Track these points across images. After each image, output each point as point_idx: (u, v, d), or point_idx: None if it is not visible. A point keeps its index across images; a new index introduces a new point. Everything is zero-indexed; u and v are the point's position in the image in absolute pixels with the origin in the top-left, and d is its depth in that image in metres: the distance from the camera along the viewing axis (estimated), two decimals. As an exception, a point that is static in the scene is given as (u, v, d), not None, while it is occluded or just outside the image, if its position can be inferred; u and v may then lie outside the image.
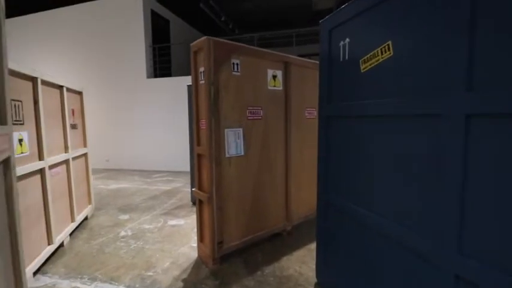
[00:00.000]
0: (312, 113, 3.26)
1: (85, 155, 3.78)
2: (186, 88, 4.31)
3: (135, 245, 2.91)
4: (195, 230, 3.00)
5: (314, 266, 2.27)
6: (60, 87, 3.07)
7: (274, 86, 2.83)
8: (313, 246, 2.70)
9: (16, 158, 2.15)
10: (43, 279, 2.30)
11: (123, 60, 7.39)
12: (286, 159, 2.99)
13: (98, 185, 5.64)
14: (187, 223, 3.52)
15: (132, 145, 7.50)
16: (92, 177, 3.96)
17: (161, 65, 7.71)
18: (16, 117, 2.19)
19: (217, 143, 2.37)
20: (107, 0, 7.39)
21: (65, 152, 3.12)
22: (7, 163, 0.95)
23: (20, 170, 2.16)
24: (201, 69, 2.40)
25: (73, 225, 3.18)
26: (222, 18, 8.94)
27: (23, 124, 2.28)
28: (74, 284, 2.23)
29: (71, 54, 7.84)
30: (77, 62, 7.80)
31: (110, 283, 2.24)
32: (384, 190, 1.50)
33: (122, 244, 2.94)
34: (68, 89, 3.25)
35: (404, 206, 1.37)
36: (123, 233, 3.23)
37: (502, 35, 0.96)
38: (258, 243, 2.82)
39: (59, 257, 2.67)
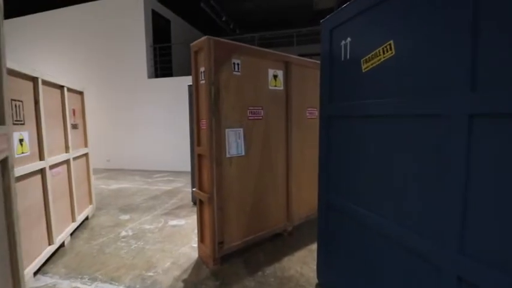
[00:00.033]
0: (313, 113, 3.25)
1: (86, 155, 3.78)
2: (186, 88, 4.30)
3: (135, 245, 2.91)
4: (196, 230, 3.00)
5: (315, 267, 2.26)
6: (61, 87, 3.07)
7: (275, 86, 2.82)
8: (314, 246, 2.68)
9: (17, 158, 2.16)
10: (43, 279, 2.30)
11: (124, 60, 7.39)
12: (287, 159, 2.97)
13: (99, 185, 5.64)
14: (188, 223, 3.51)
15: (133, 145, 7.50)
16: (92, 177, 3.97)
17: (162, 65, 7.71)
18: (17, 117, 2.19)
19: (218, 143, 2.37)
20: (107, 0, 7.39)
21: (66, 152, 3.12)
22: (5, 163, 0.94)
23: (20, 170, 2.16)
24: (202, 69, 2.39)
25: (74, 225, 3.18)
26: (223, 18, 8.93)
27: (23, 124, 2.28)
28: (74, 284, 2.23)
29: (72, 54, 7.86)
30: (78, 62, 7.82)
31: (110, 283, 2.24)
32: (385, 190, 1.49)
33: (123, 244, 2.94)
34: (69, 89, 3.25)
35: (405, 207, 1.36)
36: (123, 233, 3.23)
37: (505, 34, 0.94)
38: (258, 243, 2.81)
39: (60, 257, 2.67)
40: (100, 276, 2.34)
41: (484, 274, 1.00)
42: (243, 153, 2.56)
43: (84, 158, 3.72)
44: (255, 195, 2.70)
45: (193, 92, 2.53)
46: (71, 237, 3.08)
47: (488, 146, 0.99)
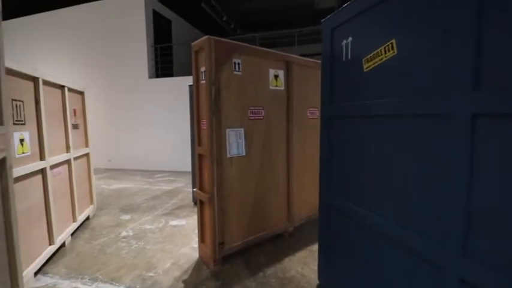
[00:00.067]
0: (314, 113, 3.24)
1: (87, 155, 3.78)
2: (187, 88, 4.30)
3: (136, 246, 2.91)
4: (196, 230, 2.99)
5: (316, 268, 2.25)
6: (62, 87, 3.07)
7: (276, 86, 2.81)
8: (315, 247, 2.67)
9: (17, 158, 2.15)
10: (44, 280, 2.30)
11: (125, 60, 7.40)
12: (288, 159, 2.96)
13: (100, 184, 5.65)
14: (188, 223, 3.51)
15: (134, 145, 7.51)
16: (94, 177, 3.97)
17: (163, 65, 7.71)
18: (17, 117, 2.19)
19: (219, 143, 2.36)
20: (108, 1, 7.40)
21: (67, 152, 3.12)
22: (3, 164, 0.94)
23: (21, 170, 2.16)
24: (202, 68, 2.38)
25: (75, 225, 3.18)
26: (224, 18, 8.93)
27: (24, 124, 2.27)
28: (74, 285, 2.23)
29: (73, 54, 7.87)
30: (79, 62, 7.83)
31: (111, 283, 2.23)
32: (386, 191, 1.48)
33: (123, 244, 2.94)
34: (70, 89, 3.25)
35: (407, 207, 1.35)
36: (124, 233, 3.22)
37: (509, 33, 0.93)
38: (259, 244, 2.80)
39: (60, 257, 2.67)
40: (100, 277, 2.33)
41: (488, 277, 0.99)
42: (244, 154, 2.55)
43: (85, 158, 3.72)
44: (255, 195, 2.69)
45: (194, 92, 2.53)
46: (72, 237, 3.08)
47: (492, 146, 0.98)
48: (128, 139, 7.56)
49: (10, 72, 2.12)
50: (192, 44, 2.45)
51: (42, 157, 2.51)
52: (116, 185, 5.68)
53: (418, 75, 1.27)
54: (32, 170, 2.32)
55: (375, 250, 1.59)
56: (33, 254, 2.32)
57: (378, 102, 1.50)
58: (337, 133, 1.90)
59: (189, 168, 4.41)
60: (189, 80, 5.22)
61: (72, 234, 3.11)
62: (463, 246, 1.07)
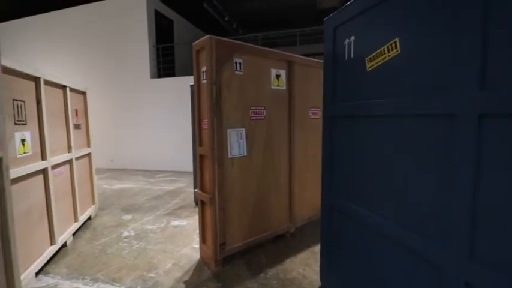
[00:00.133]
0: (316, 113, 3.22)
1: (88, 155, 3.78)
2: (189, 88, 4.29)
3: (137, 246, 2.90)
4: (198, 231, 2.98)
5: (318, 269, 2.23)
6: (63, 87, 3.07)
7: (278, 86, 2.79)
8: (317, 248, 2.65)
9: (18, 158, 2.15)
10: (45, 280, 2.30)
11: (127, 61, 7.41)
12: (290, 159, 2.94)
13: (102, 184, 5.66)
14: (190, 224, 3.50)
15: (136, 145, 7.52)
16: (95, 177, 3.97)
17: (165, 65, 7.71)
18: (18, 117, 2.19)
19: (220, 144, 2.34)
20: (110, 1, 7.42)
21: (68, 152, 3.12)
22: None
23: (22, 170, 2.16)
24: (203, 68, 2.37)
25: (76, 225, 3.18)
26: (226, 18, 8.92)
27: (25, 124, 2.27)
28: (75, 285, 2.22)
29: (75, 54, 7.90)
30: (81, 62, 7.85)
31: (112, 284, 2.23)
32: (391, 192, 1.45)
33: (125, 245, 2.93)
34: (71, 89, 3.25)
35: (412, 209, 1.33)
36: (125, 234, 3.22)
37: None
38: (261, 245, 2.79)
39: (62, 257, 2.67)
40: (101, 277, 2.33)
41: (496, 281, 0.96)
42: (245, 154, 2.54)
43: (86, 158, 3.72)
44: (257, 196, 2.68)
45: (195, 92, 2.51)
46: (73, 237, 3.08)
47: (499, 146, 0.96)
48: (129, 139, 7.57)
49: (11, 72, 2.11)
50: (193, 43, 2.44)
51: (43, 157, 2.51)
52: (117, 185, 5.69)
53: (422, 75, 1.25)
54: (33, 170, 2.32)
55: (379, 252, 1.57)
56: (34, 254, 2.32)
57: (380, 102, 1.48)
58: (339, 133, 1.88)
59: (191, 169, 4.40)
60: (190, 80, 5.21)
61: (73, 234, 3.11)
62: (470, 250, 1.04)
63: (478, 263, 1.02)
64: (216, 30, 9.70)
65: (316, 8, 7.71)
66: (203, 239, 2.59)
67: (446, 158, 1.14)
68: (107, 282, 2.25)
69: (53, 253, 2.60)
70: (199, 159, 2.55)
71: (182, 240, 3.02)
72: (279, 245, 2.84)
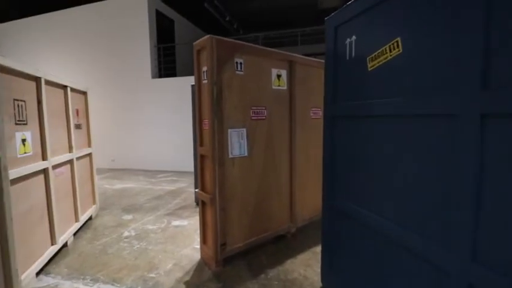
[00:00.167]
0: (317, 113, 3.20)
1: (89, 155, 3.78)
2: (190, 88, 4.28)
3: (138, 246, 2.90)
4: (198, 231, 2.97)
5: (319, 270, 2.22)
6: (64, 87, 3.07)
7: (279, 86, 2.78)
8: (318, 249, 2.64)
9: (19, 158, 2.15)
10: (46, 280, 2.30)
11: (128, 61, 7.42)
12: (291, 159, 2.93)
13: (103, 184, 5.66)
14: (190, 224, 3.49)
15: (137, 145, 7.53)
16: (96, 177, 3.97)
17: (166, 65, 7.72)
18: (19, 117, 2.19)
19: (221, 144, 2.34)
20: (111, 1, 7.42)
21: (69, 152, 3.12)
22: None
23: (23, 170, 2.15)
24: (204, 68, 2.36)
25: (77, 225, 3.18)
26: (227, 18, 8.92)
27: (26, 124, 2.27)
28: (76, 285, 2.22)
29: (76, 54, 7.91)
30: (83, 62, 7.87)
31: (112, 284, 2.22)
32: (392, 193, 1.44)
33: (125, 245, 2.93)
34: (72, 89, 3.25)
35: (414, 210, 1.31)
36: (126, 234, 3.22)
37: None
38: (261, 245, 2.78)
39: (62, 257, 2.67)
40: (102, 277, 2.32)
41: (500, 283, 0.95)
42: (246, 154, 2.53)
43: (87, 158, 3.73)
44: (257, 196, 2.67)
45: (196, 92, 2.51)
46: (74, 237, 3.08)
47: (502, 146, 0.95)
48: (130, 139, 7.58)
49: (12, 72, 2.11)
50: (194, 43, 2.44)
51: (44, 157, 2.51)
52: (118, 185, 5.69)
53: (424, 75, 1.24)
54: (34, 170, 2.32)
55: (380, 253, 1.55)
56: (35, 254, 2.32)
57: (382, 102, 1.47)
58: (340, 133, 1.86)
59: (192, 169, 4.39)
60: (191, 80, 5.20)
61: (74, 234, 3.11)
62: (473, 251, 1.03)
63: (481, 265, 1.01)
64: (217, 30, 9.69)
65: (317, 7, 7.70)
66: (204, 240, 2.59)
67: (449, 158, 1.13)
68: (107, 283, 2.25)
69: (53, 253, 2.60)
70: (200, 160, 2.54)
71: (183, 241, 3.02)
72: (280, 246, 2.84)
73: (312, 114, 3.17)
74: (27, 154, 2.26)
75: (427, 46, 1.22)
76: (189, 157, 4.77)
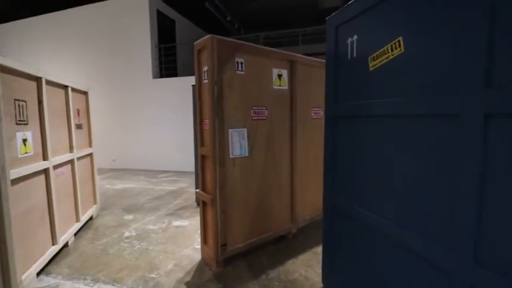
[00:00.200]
0: (318, 113, 3.19)
1: (90, 155, 3.78)
2: (191, 88, 4.28)
3: (139, 246, 2.89)
4: (199, 231, 2.97)
5: (320, 271, 2.21)
6: (65, 87, 3.07)
7: (280, 86, 2.77)
8: (319, 249, 2.63)
9: (20, 158, 2.15)
10: (46, 280, 2.30)
11: (129, 61, 7.42)
12: (292, 160, 2.92)
13: (104, 184, 5.67)
14: (191, 224, 3.49)
15: (138, 145, 7.53)
16: (97, 177, 3.97)
17: (167, 65, 7.72)
18: (20, 117, 2.19)
19: (221, 144, 2.33)
20: (112, 1, 7.43)
21: (70, 152, 3.12)
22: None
23: (23, 170, 2.15)
24: (205, 68, 2.36)
25: (78, 225, 3.18)
26: (228, 18, 8.91)
27: (27, 124, 2.27)
28: (77, 285, 2.22)
29: (78, 54, 7.92)
30: (84, 62, 7.88)
31: (113, 285, 2.22)
32: (393, 193, 1.43)
33: (126, 245, 2.93)
34: (73, 89, 3.25)
35: (415, 211, 1.30)
36: (127, 234, 3.21)
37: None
38: (262, 245, 2.77)
39: (63, 257, 2.67)
40: (102, 278, 2.32)
41: (502, 285, 0.94)
42: (247, 154, 2.52)
43: (88, 158, 3.73)
44: (258, 196, 2.66)
45: (196, 92, 2.50)
46: (75, 237, 3.08)
47: (505, 147, 0.93)
48: (132, 139, 7.59)
49: (13, 72, 2.11)
50: (195, 43, 2.43)
51: (45, 157, 2.51)
52: (119, 185, 5.70)
53: (425, 74, 1.23)
54: (35, 170, 2.32)
55: (381, 254, 1.54)
56: (36, 254, 2.32)
57: (383, 102, 1.46)
58: (342, 133, 1.85)
59: (193, 169, 4.39)
60: (192, 80, 5.19)
61: (75, 234, 3.11)
62: (476, 253, 1.02)
63: (484, 267, 1.00)
64: (218, 30, 9.68)
65: (318, 7, 7.68)
66: (204, 240, 2.58)
67: (452, 158, 1.12)
68: (108, 283, 2.24)
69: (54, 253, 2.60)
70: (200, 160, 2.54)
71: (183, 241, 3.01)
72: (281, 246, 2.83)
73: (313, 114, 3.16)
74: (28, 154, 2.26)
75: (430, 45, 1.21)
76: (190, 157, 4.77)
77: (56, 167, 2.71)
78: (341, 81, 1.83)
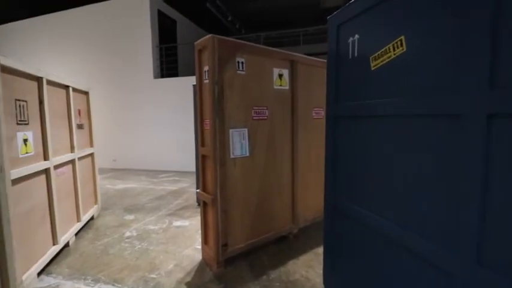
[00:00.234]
0: (319, 113, 3.18)
1: (91, 154, 3.78)
2: (192, 88, 4.28)
3: (139, 246, 2.89)
4: (200, 231, 2.96)
5: (321, 271, 2.20)
6: (66, 87, 3.07)
7: (281, 85, 2.77)
8: (320, 250, 2.62)
9: (21, 158, 2.15)
10: (47, 280, 2.30)
11: (130, 61, 7.43)
12: (293, 160, 2.91)
13: (105, 184, 5.67)
14: (192, 224, 3.48)
15: (139, 145, 7.54)
16: (98, 177, 3.97)
17: (168, 65, 7.72)
18: (21, 117, 2.19)
19: (222, 144, 2.32)
20: (114, 1, 7.44)
21: (71, 152, 3.12)
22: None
23: (24, 170, 2.15)
24: (206, 68, 2.35)
25: (79, 225, 3.18)
26: (229, 18, 8.91)
27: (27, 124, 2.27)
28: (77, 285, 2.22)
29: (79, 54, 7.94)
30: (85, 62, 7.89)
31: (113, 285, 2.22)
32: (395, 194, 1.42)
33: (127, 245, 2.92)
34: (74, 89, 3.25)
35: (417, 211, 1.29)
36: (128, 234, 3.21)
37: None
38: (263, 246, 2.76)
39: (64, 257, 2.67)
40: (103, 278, 2.32)
41: (504, 286, 0.93)
42: (248, 154, 2.51)
43: (89, 158, 3.73)
44: (259, 196, 2.65)
45: (197, 92, 2.50)
46: (76, 237, 3.08)
47: (509, 147, 0.92)
48: (133, 139, 7.59)
49: (14, 72, 2.11)
50: (196, 42, 2.43)
51: (46, 157, 2.51)
52: (120, 185, 5.70)
53: (428, 74, 1.22)
54: (36, 170, 2.32)
55: (383, 255, 1.53)
56: (36, 254, 2.32)
57: (385, 102, 1.45)
58: (343, 133, 1.84)
59: (194, 169, 4.39)
60: (193, 79, 5.18)
61: (76, 234, 3.11)
62: (478, 254, 1.01)
63: (487, 268, 0.99)
64: (218, 30, 9.68)
65: (320, 7, 7.67)
66: (205, 240, 2.57)
67: (453, 158, 1.10)
68: (108, 283, 2.24)
69: (55, 253, 2.60)
70: (201, 160, 2.53)
71: (184, 241, 3.01)
72: (282, 247, 2.82)
73: (314, 114, 3.15)
74: (28, 154, 2.26)
75: (432, 44, 1.19)
76: (191, 157, 4.76)
77: (56, 167, 2.72)
78: (342, 81, 1.82)
